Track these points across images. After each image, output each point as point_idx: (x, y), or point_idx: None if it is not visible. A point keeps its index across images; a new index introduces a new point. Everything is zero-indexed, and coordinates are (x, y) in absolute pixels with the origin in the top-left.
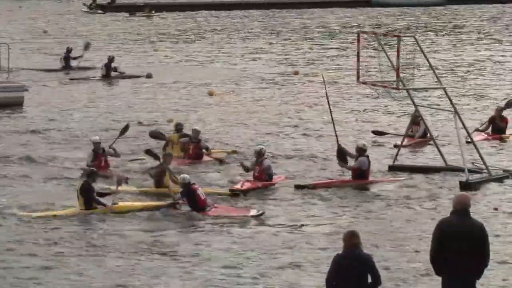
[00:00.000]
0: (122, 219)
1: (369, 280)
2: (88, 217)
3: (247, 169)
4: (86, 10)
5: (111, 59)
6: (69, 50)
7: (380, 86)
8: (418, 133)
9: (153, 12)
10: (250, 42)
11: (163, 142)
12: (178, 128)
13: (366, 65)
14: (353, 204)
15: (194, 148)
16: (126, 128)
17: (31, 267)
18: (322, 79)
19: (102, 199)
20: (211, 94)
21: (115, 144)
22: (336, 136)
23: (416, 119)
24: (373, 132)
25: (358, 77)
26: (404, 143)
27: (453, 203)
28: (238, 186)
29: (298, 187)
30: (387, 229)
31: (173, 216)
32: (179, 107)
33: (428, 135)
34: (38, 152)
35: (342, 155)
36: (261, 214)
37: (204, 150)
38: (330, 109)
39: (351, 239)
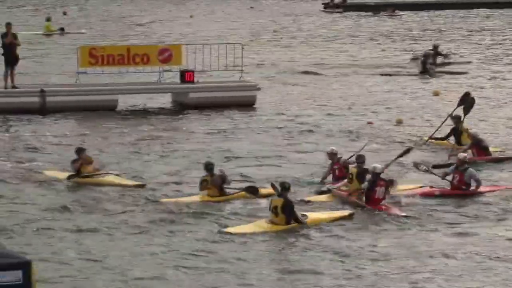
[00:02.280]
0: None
1: None
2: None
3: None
4: (322, 9)
5: (428, 55)
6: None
7: None
8: None
9: (396, 11)
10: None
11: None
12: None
13: None
14: None
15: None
16: (407, 151)
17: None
18: None
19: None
20: (436, 94)
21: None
22: None
23: None
24: None
25: None
26: None
27: None
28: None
29: None
30: None
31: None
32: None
33: None
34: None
35: None
36: (406, 217)
37: None
38: None
39: None
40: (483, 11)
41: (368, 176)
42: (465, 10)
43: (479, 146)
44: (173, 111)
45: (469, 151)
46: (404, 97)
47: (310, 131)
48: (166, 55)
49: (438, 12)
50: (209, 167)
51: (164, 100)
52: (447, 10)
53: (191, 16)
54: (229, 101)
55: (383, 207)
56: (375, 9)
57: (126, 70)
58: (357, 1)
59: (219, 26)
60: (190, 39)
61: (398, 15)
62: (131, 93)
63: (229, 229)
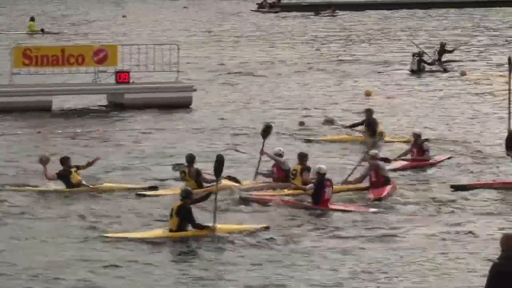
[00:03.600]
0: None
1: None
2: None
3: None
4: (256, 9)
5: (421, 53)
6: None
7: None
8: None
9: (336, 11)
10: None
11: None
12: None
13: None
14: None
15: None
16: (267, 130)
17: None
18: None
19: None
20: (367, 94)
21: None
22: (509, 120)
23: None
24: None
25: None
26: None
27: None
28: None
29: (454, 187)
30: None
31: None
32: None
33: None
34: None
35: (510, 142)
36: (377, 213)
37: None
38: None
39: (508, 242)
40: (425, 12)
41: (308, 175)
42: (406, 10)
43: (421, 148)
44: (108, 112)
45: (412, 151)
46: (337, 96)
47: (245, 132)
48: (101, 55)
49: (380, 12)
50: (189, 159)
51: (100, 101)
52: (391, 10)
53: (123, 16)
54: (165, 102)
55: (333, 206)
56: (315, 9)
57: (61, 71)
58: (293, 1)
59: (154, 27)
60: (125, 40)
61: (338, 15)
62: (66, 94)
63: (111, 234)
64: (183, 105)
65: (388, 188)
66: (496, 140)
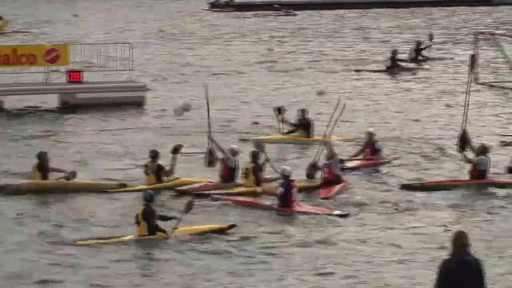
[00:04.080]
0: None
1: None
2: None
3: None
4: (208, 9)
5: (395, 52)
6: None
7: (499, 86)
8: None
9: (291, 10)
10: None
11: None
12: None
13: (484, 66)
14: (467, 205)
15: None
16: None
17: None
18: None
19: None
20: (320, 93)
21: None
22: (464, 119)
23: None
24: (502, 134)
25: (476, 78)
26: None
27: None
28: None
29: (404, 186)
30: (502, 233)
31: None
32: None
33: None
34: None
35: (464, 141)
36: (346, 215)
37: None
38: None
39: (459, 239)
40: (377, 11)
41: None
42: (359, 9)
43: (373, 148)
44: (60, 112)
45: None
46: (290, 95)
47: (197, 131)
48: (53, 55)
49: (335, 12)
50: (152, 154)
51: (52, 101)
52: (346, 10)
53: (75, 16)
54: (117, 101)
55: (299, 208)
56: (270, 8)
57: (12, 70)
58: (247, 1)
59: (106, 26)
60: (78, 39)
61: (294, 14)
62: (17, 94)
63: (80, 241)
64: (136, 105)
65: (338, 187)
66: (449, 139)
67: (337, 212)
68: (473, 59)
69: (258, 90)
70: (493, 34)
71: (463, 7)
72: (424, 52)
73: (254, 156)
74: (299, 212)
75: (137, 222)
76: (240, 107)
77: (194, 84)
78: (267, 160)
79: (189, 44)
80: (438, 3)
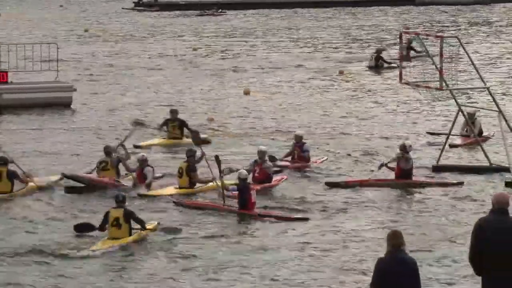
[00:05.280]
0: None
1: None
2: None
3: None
4: (131, 8)
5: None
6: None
7: (423, 86)
8: (475, 132)
9: (220, 10)
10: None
11: None
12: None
13: (408, 65)
14: (394, 205)
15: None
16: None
17: None
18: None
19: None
20: (246, 93)
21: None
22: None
23: (472, 118)
24: (428, 132)
25: (401, 78)
26: (459, 142)
27: (492, 202)
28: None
29: (329, 184)
30: (430, 231)
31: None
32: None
33: (472, 135)
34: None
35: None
36: (306, 219)
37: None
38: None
39: (394, 239)
40: (307, 11)
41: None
42: (289, 9)
43: (301, 149)
44: None
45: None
46: (216, 95)
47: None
48: None
49: (265, 11)
50: (107, 149)
51: None
52: (275, 10)
53: None
54: (44, 102)
55: (258, 210)
56: (197, 7)
57: None
58: (172, 0)
59: (31, 26)
60: (2, 39)
61: (223, 14)
62: None
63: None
64: (63, 105)
65: (265, 185)
66: (377, 139)
67: (298, 216)
68: (401, 56)
69: (187, 89)
70: (417, 33)
71: (388, 7)
72: (385, 58)
73: (189, 155)
74: (259, 215)
75: (117, 226)
76: (167, 105)
77: (121, 84)
78: (203, 156)
79: (113, 44)
80: (363, 3)
